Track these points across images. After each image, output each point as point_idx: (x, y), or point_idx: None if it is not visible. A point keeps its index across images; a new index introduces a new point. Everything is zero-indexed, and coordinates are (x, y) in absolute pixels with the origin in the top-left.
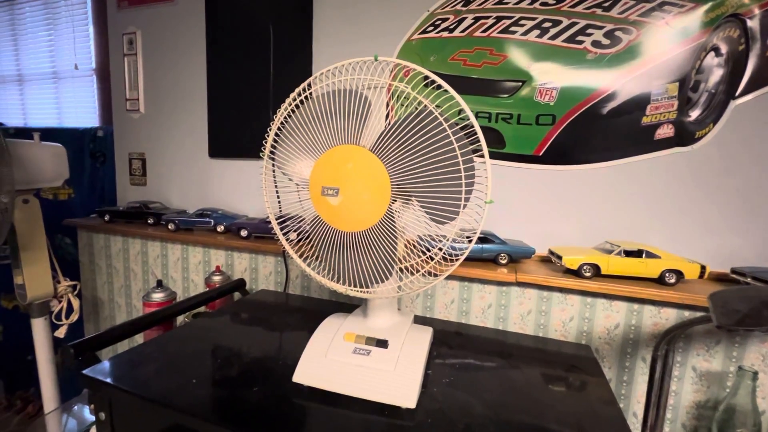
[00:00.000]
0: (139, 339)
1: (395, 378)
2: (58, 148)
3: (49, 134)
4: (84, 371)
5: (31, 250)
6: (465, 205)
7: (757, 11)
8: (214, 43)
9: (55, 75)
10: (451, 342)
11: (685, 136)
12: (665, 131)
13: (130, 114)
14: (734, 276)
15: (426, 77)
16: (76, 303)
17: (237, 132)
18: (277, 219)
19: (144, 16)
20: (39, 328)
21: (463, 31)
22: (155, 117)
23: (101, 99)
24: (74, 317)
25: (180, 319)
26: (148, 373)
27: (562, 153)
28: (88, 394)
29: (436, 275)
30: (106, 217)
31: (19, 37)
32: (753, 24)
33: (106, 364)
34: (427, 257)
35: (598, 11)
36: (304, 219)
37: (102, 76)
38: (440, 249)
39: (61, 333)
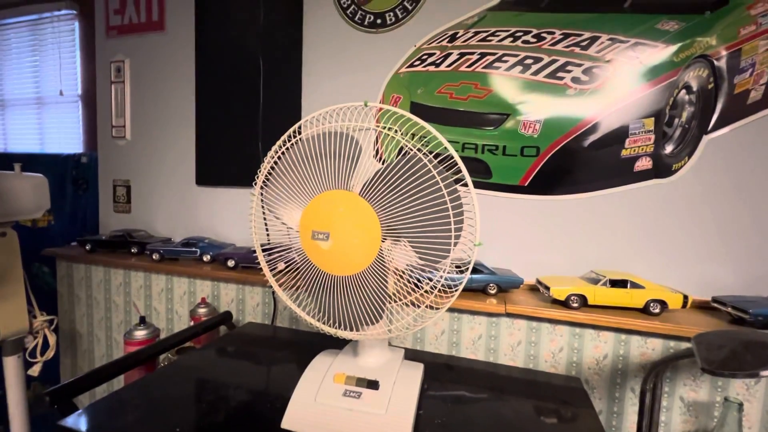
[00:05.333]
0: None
1: (387, 422)
2: (39, 178)
3: (30, 160)
4: (60, 422)
5: (6, 284)
6: (454, 245)
7: (723, 53)
8: (203, 72)
9: (39, 100)
10: (442, 377)
11: (662, 168)
12: (644, 163)
13: (115, 140)
14: (715, 305)
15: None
16: (52, 339)
17: (225, 160)
18: (264, 253)
19: (133, 45)
20: (11, 367)
21: (449, 66)
22: (141, 144)
23: (86, 125)
24: (50, 354)
25: (163, 356)
26: (129, 422)
27: (546, 183)
28: None
29: (431, 308)
30: (88, 247)
31: (3, 61)
32: (720, 64)
33: (83, 413)
34: (418, 295)
35: (577, 50)
36: (292, 254)
37: (88, 102)
38: (429, 291)
39: (35, 371)
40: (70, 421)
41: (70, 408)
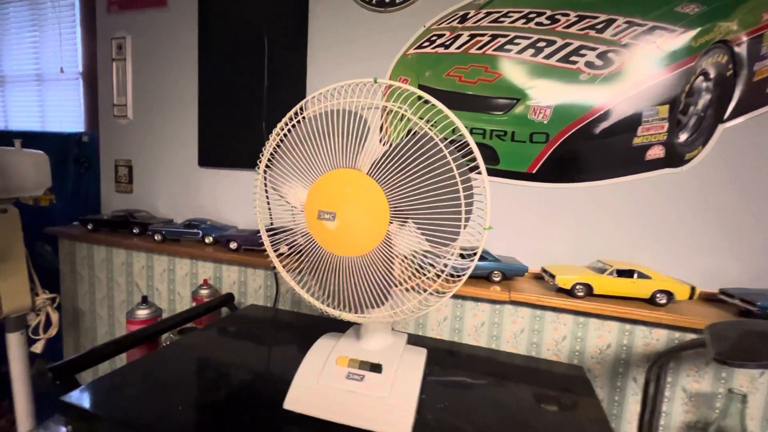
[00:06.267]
0: (121, 356)
1: (389, 405)
2: (40, 155)
3: (31, 138)
4: (62, 398)
5: (8, 261)
6: (464, 227)
7: (744, 38)
8: (206, 50)
9: (39, 78)
10: (444, 362)
11: (675, 157)
12: (656, 152)
13: (117, 120)
14: (723, 297)
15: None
16: (55, 317)
17: (228, 141)
18: (268, 234)
19: (134, 21)
20: (14, 343)
21: (458, 48)
22: (143, 123)
23: (87, 104)
24: (53, 332)
25: (165, 336)
26: (131, 398)
27: (555, 171)
28: (66, 419)
29: (437, 292)
30: (90, 226)
31: (3, 37)
32: (740, 50)
33: (85, 389)
34: (425, 278)
35: (592, 33)
36: (296, 237)
37: (89, 80)
38: (437, 275)
39: (38, 348)
40: (72, 396)
41: (73, 384)
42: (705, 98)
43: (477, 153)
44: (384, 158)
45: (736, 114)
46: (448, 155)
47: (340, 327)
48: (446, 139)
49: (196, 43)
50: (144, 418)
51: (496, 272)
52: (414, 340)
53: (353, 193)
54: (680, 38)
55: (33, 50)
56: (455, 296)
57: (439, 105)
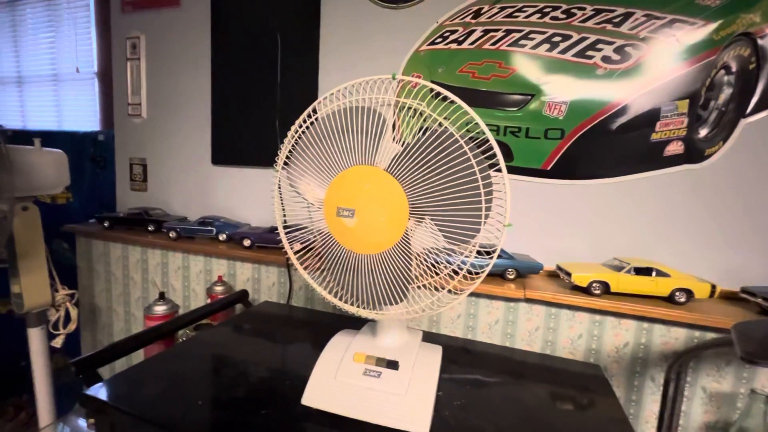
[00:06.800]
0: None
1: (407, 402)
2: (59, 154)
3: (48, 137)
4: (86, 392)
5: (29, 258)
6: (483, 224)
7: None
8: (219, 49)
9: (55, 77)
10: (459, 360)
11: (694, 153)
12: (675, 148)
13: (131, 119)
14: (744, 296)
15: (432, 90)
16: (74, 312)
17: (241, 139)
18: (285, 231)
19: (148, 21)
20: (35, 338)
21: (472, 44)
22: (157, 122)
23: (102, 103)
24: (72, 327)
25: (181, 332)
26: (152, 393)
27: (570, 167)
28: (87, 412)
29: (451, 292)
30: (106, 224)
31: (20, 38)
32: (764, 43)
33: (108, 383)
34: (444, 275)
35: (609, 27)
36: (313, 234)
37: (104, 79)
38: (455, 273)
39: (57, 343)
40: (95, 390)
41: (95, 378)
42: (726, 92)
43: (497, 149)
44: (404, 154)
45: (759, 108)
46: (468, 152)
47: (353, 323)
48: (469, 143)
49: (210, 41)
50: (165, 412)
51: (510, 270)
52: (427, 337)
53: (372, 190)
54: (700, 31)
55: (49, 50)
56: (469, 294)
57: (459, 101)
